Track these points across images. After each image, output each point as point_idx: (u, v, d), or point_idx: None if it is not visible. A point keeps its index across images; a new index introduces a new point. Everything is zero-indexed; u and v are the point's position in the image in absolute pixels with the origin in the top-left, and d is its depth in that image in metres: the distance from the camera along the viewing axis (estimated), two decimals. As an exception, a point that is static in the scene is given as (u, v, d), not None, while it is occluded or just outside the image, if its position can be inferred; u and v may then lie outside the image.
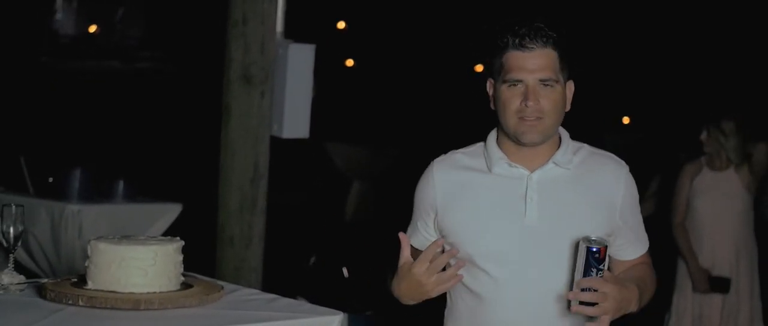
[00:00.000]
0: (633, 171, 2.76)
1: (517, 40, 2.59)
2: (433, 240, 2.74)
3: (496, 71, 2.65)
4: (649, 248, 2.83)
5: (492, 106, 2.69)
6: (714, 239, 5.62)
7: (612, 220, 2.67)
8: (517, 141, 2.64)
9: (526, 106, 2.58)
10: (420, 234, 2.80)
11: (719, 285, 5.57)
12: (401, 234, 2.64)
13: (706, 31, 11.89)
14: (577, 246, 2.54)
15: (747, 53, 11.71)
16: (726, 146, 5.57)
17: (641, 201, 6.09)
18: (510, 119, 2.61)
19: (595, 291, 2.47)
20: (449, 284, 2.57)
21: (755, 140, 5.65)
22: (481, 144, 2.75)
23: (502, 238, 2.62)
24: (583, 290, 2.48)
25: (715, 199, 5.62)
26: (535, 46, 2.59)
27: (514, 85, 2.60)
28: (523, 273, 2.62)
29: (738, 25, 11.69)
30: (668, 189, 5.83)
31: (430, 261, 2.55)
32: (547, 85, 2.60)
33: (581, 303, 2.49)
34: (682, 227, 5.67)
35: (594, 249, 2.48)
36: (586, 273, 2.49)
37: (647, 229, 2.85)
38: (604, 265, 2.49)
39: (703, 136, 5.63)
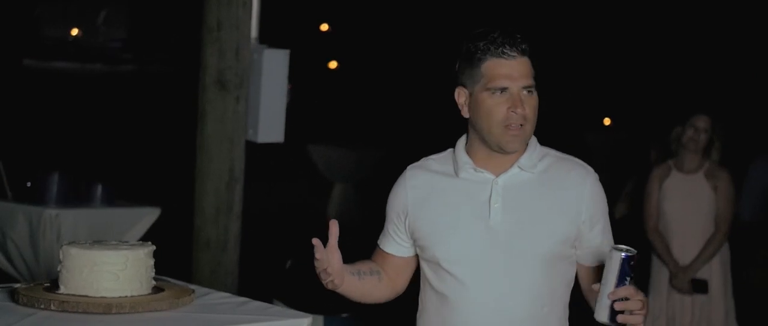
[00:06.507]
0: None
1: (497, 49, 2.61)
2: (406, 245, 2.81)
3: (473, 80, 2.66)
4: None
5: (465, 114, 2.70)
6: (684, 240, 5.63)
7: (576, 226, 2.68)
8: (500, 149, 2.66)
9: (513, 113, 2.60)
10: (392, 240, 2.84)
11: (699, 286, 5.60)
12: (332, 221, 2.66)
13: (686, 33, 11.95)
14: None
15: (726, 54, 11.78)
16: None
17: (617, 201, 6.05)
18: (495, 127, 2.62)
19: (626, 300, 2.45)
20: (334, 268, 2.63)
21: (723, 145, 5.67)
22: (451, 150, 2.79)
23: (467, 241, 2.66)
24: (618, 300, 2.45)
25: (684, 201, 5.63)
26: (515, 54, 2.62)
27: (498, 93, 2.62)
28: (486, 275, 2.65)
29: (718, 27, 11.75)
30: (640, 192, 5.85)
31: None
32: (529, 91, 2.63)
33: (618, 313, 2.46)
34: (656, 231, 5.67)
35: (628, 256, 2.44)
36: (621, 282, 2.45)
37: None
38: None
39: (687, 135, 5.58)
